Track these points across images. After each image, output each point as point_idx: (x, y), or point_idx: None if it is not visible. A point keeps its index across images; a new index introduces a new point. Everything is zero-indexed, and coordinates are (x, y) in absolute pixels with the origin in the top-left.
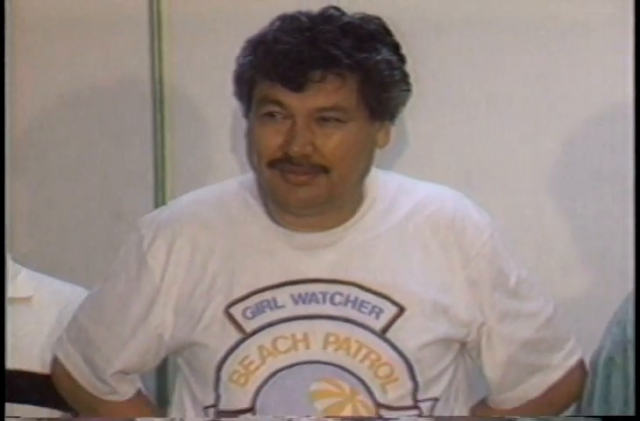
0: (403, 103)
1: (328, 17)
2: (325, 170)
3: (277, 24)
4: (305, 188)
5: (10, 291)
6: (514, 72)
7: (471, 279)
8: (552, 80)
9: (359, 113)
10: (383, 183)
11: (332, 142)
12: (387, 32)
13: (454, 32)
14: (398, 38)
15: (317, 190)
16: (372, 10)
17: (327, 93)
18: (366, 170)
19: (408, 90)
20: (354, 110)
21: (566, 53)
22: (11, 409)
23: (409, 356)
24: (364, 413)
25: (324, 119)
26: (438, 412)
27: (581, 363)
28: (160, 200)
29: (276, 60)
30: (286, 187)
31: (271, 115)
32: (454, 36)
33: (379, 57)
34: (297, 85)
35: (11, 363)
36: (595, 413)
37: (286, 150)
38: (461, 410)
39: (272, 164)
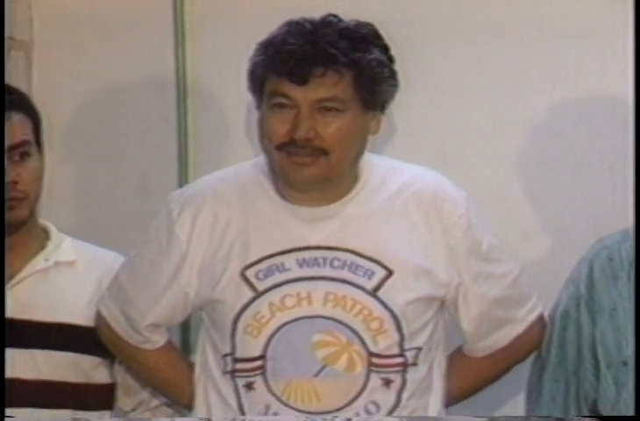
0: (392, 96)
1: (327, 23)
2: (325, 152)
3: (285, 28)
4: (308, 167)
5: (56, 256)
6: (490, 68)
7: (449, 246)
8: (522, 75)
9: (354, 104)
10: (375, 165)
11: (331, 128)
12: (378, 36)
13: (437, 34)
14: (387, 40)
15: (319, 170)
16: (365, 15)
17: (327, 86)
18: (360, 153)
19: (396, 85)
20: (350, 101)
21: (539, 51)
22: (57, 357)
23: (397, 311)
24: (358, 361)
25: (325, 109)
26: (421, 359)
27: (542, 317)
28: (182, 179)
29: (284, 59)
30: (292, 167)
31: (279, 106)
32: (437, 37)
33: (371, 56)
34: (302, 79)
35: (59, 317)
36: (552, 359)
37: (292, 135)
38: (440, 357)
39: (280, 147)
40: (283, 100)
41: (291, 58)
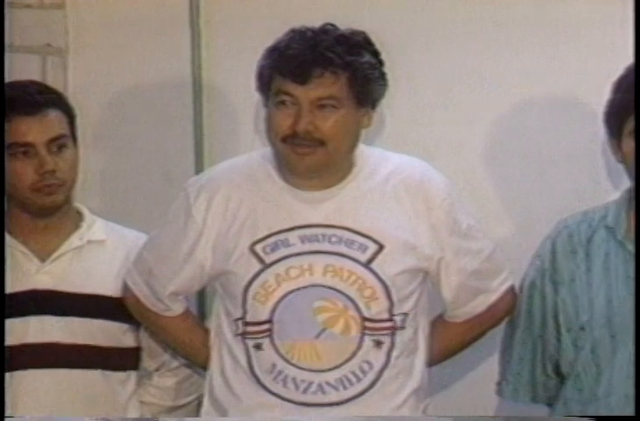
0: (382, 95)
1: (325, 31)
2: (323, 143)
3: (289, 35)
4: (309, 156)
5: (89, 236)
6: (467, 72)
7: (433, 225)
8: (495, 76)
9: (348, 101)
10: (368, 155)
11: (328, 123)
12: (369, 42)
13: (421, 40)
14: (378, 46)
15: (318, 159)
16: (359, 24)
17: (325, 86)
18: (354, 144)
19: (385, 85)
20: (345, 99)
21: (511, 53)
22: (90, 324)
23: (387, 281)
24: (353, 324)
25: (323, 106)
26: (408, 323)
27: (512, 288)
28: (198, 167)
29: (287, 62)
30: (295, 157)
31: (283, 103)
32: (421, 43)
33: (363, 59)
34: (302, 79)
35: (92, 289)
36: (521, 324)
37: (294, 128)
38: (424, 322)
39: (284, 139)
40: (287, 98)
41: (293, 61)
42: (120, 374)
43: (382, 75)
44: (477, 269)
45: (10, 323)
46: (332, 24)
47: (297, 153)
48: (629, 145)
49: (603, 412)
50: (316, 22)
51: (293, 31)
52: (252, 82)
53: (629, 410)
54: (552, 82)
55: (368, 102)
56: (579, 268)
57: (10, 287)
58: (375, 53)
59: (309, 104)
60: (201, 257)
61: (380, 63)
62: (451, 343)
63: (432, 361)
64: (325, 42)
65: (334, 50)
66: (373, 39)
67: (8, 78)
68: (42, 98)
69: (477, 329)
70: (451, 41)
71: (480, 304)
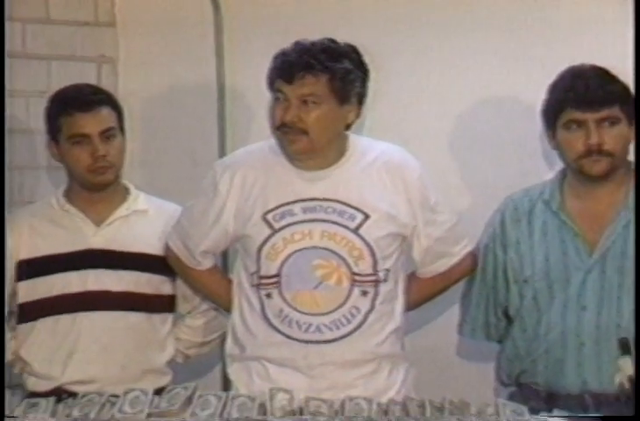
0: (362, 94)
1: (320, 43)
2: (306, 133)
3: (291, 46)
4: (295, 144)
5: (134, 206)
6: (436, 78)
7: (408, 200)
8: (456, 79)
9: (329, 99)
10: (357, 142)
11: (311, 116)
12: (356, 53)
13: (402, 53)
14: (368, 57)
15: (302, 145)
16: (355, 40)
17: (308, 85)
18: (336, 134)
19: (364, 87)
20: (325, 96)
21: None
22: (137, 275)
23: (372, 244)
24: (344, 278)
25: (306, 101)
26: (389, 277)
27: (472, 252)
28: (222, 152)
29: (281, 65)
30: (286, 142)
31: (278, 99)
32: (401, 55)
33: (341, 66)
34: (289, 79)
35: (139, 249)
36: (478, 278)
37: (283, 119)
38: (401, 276)
39: (278, 128)
40: (280, 95)
41: (285, 65)
42: (160, 316)
43: (361, 79)
44: (441, 237)
45: (69, 275)
46: (330, 39)
47: (287, 140)
48: (561, 135)
49: (542, 347)
50: (323, 34)
51: (296, 42)
52: (264, 84)
53: (564, 345)
54: (508, 82)
55: (349, 99)
56: (522, 234)
57: (71, 246)
58: (358, 62)
59: (296, 100)
60: (225, 223)
61: (361, 69)
62: (421, 293)
63: (408, 307)
64: (312, 51)
65: (317, 57)
66: (365, 51)
67: (68, 83)
68: (96, 98)
69: (441, 284)
70: (424, 37)
71: (443, 265)
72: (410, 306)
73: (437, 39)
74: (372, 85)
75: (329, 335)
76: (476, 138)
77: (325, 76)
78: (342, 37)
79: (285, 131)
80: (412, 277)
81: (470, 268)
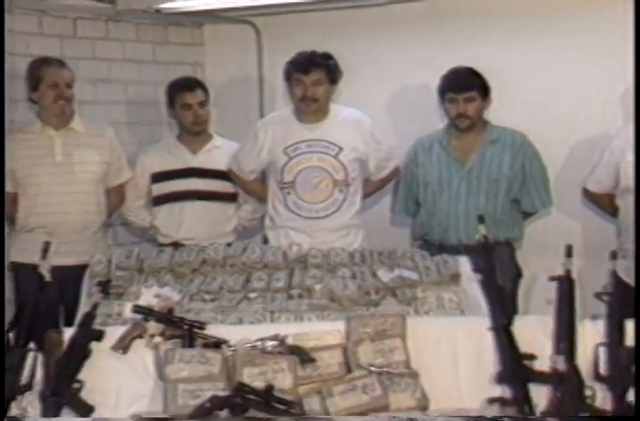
0: (339, 79)
1: (314, 52)
2: (317, 101)
3: (300, 53)
4: (312, 107)
5: (214, 143)
6: (390, 76)
7: (365, 140)
8: (401, 71)
9: (326, 82)
10: (335, 107)
11: (318, 92)
12: (333, 57)
13: (369, 54)
14: (342, 61)
15: (315, 108)
16: (335, 51)
17: (315, 75)
18: (327, 102)
19: (341, 75)
20: (324, 80)
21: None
22: (215, 181)
23: (345, 164)
24: (330, 184)
25: (314, 84)
26: (355, 181)
27: (398, 166)
28: (260, 116)
29: (299, 64)
30: (305, 107)
31: (297, 83)
32: (367, 57)
33: (331, 63)
34: (306, 72)
35: (216, 167)
36: (402, 179)
37: (304, 94)
38: (360, 181)
39: (300, 100)
40: (298, 81)
41: (301, 63)
42: (229, 204)
43: (339, 70)
44: (383, 158)
45: (178, 181)
46: (324, 52)
47: (306, 105)
48: (446, 106)
49: (436, 219)
50: (323, 48)
51: (300, 52)
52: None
53: (448, 219)
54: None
55: (335, 82)
56: (426, 158)
57: (180, 165)
58: (335, 62)
59: (309, 83)
60: (262, 154)
61: (337, 66)
62: (371, 189)
63: (364, 197)
64: (314, 56)
65: (318, 59)
66: (341, 57)
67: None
68: (195, 83)
69: (381, 183)
70: (395, 35)
71: (383, 173)
72: (365, 196)
73: (387, 51)
74: (345, 75)
75: (322, 214)
76: (407, 108)
77: (324, 69)
78: (325, 48)
79: (305, 101)
80: (366, 180)
81: (396, 175)
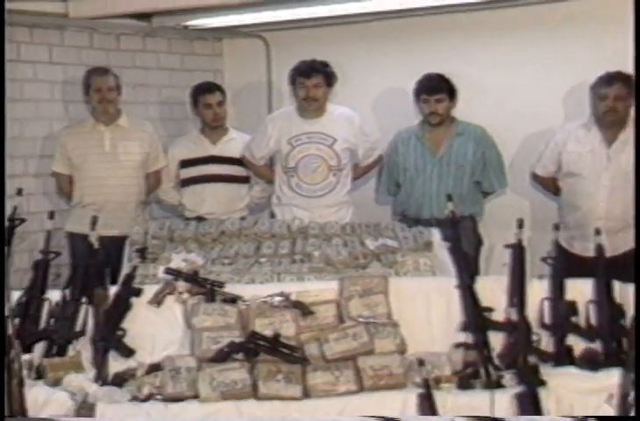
0: (335, 83)
1: (314, 60)
2: (317, 101)
3: (302, 61)
4: (313, 105)
5: (230, 136)
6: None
7: (355, 133)
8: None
9: (324, 85)
10: (330, 105)
11: (318, 93)
12: (328, 64)
13: (358, 60)
14: (338, 67)
15: (315, 106)
16: (330, 59)
17: (316, 79)
18: (325, 102)
19: (337, 80)
20: (322, 84)
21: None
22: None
23: (338, 152)
24: (326, 169)
25: (315, 87)
26: (346, 166)
27: (382, 154)
28: (269, 112)
29: (302, 70)
30: (307, 105)
31: (301, 87)
32: (356, 63)
33: (328, 70)
34: (308, 76)
35: (232, 155)
36: (385, 167)
37: (307, 95)
38: (350, 166)
39: (303, 100)
40: (302, 85)
41: (303, 70)
42: (243, 185)
43: (335, 76)
44: (370, 147)
45: (201, 167)
46: (322, 61)
47: (308, 104)
48: (420, 105)
49: (413, 198)
50: (321, 57)
51: (302, 61)
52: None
53: (423, 198)
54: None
55: (331, 85)
56: (404, 148)
57: (202, 154)
58: (332, 69)
59: (310, 86)
60: (269, 144)
61: (333, 72)
62: (360, 173)
63: (354, 179)
64: (315, 63)
65: (318, 66)
66: (336, 64)
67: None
68: (215, 87)
69: (367, 168)
70: (381, 40)
71: (370, 160)
72: (354, 179)
73: (373, 59)
74: (339, 80)
75: (319, 193)
76: (388, 105)
77: (322, 75)
78: (323, 57)
79: (306, 100)
80: (355, 166)
81: (380, 162)
